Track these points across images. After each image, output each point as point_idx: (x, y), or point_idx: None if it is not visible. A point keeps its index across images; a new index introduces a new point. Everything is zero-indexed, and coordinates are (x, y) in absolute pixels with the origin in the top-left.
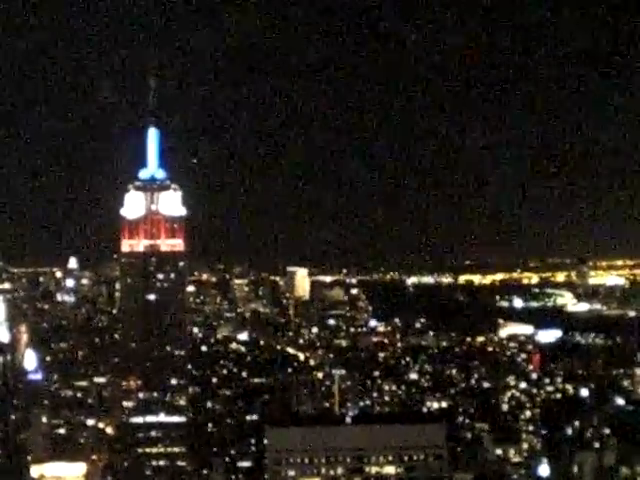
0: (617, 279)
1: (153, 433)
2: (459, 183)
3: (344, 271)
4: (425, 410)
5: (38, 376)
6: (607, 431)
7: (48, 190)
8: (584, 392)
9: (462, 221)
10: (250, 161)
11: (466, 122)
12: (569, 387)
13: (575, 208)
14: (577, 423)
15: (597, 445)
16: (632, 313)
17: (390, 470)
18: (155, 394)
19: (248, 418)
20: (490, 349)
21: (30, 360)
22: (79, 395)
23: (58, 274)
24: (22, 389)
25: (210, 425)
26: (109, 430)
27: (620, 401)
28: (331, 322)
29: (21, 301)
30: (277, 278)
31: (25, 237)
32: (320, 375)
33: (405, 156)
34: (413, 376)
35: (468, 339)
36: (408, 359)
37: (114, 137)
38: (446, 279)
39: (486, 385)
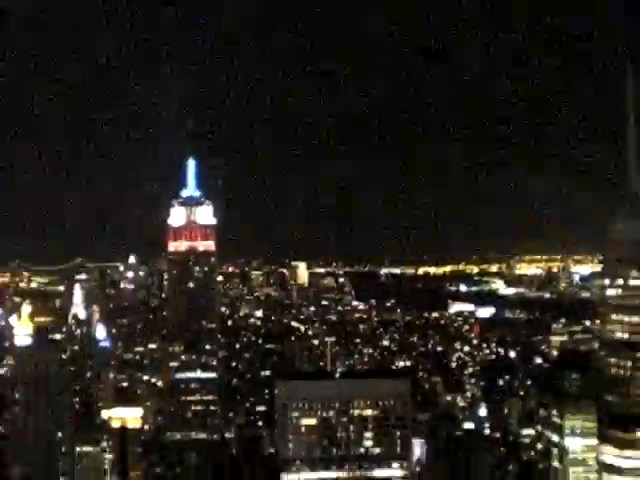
0: (536, 270)
1: (192, 385)
2: (420, 190)
3: (334, 265)
4: (394, 368)
5: (107, 344)
6: (529, 382)
7: (118, 206)
8: (512, 354)
9: (421, 224)
10: (263, 184)
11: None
12: (501, 350)
13: (507, 214)
14: (507, 377)
15: (521, 393)
16: (547, 295)
17: (369, 412)
18: (194, 356)
19: (262, 374)
20: (442, 322)
21: (101, 332)
22: (137, 357)
23: (121, 268)
24: (95, 353)
25: (235, 379)
26: (159, 383)
27: (539, 360)
28: (324, 302)
29: (94, 288)
30: (284, 270)
31: (98, 240)
32: (316, 342)
33: (370, 163)
34: (385, 343)
35: (426, 314)
36: (381, 330)
37: (165, 166)
38: (409, 270)
39: (439, 349)
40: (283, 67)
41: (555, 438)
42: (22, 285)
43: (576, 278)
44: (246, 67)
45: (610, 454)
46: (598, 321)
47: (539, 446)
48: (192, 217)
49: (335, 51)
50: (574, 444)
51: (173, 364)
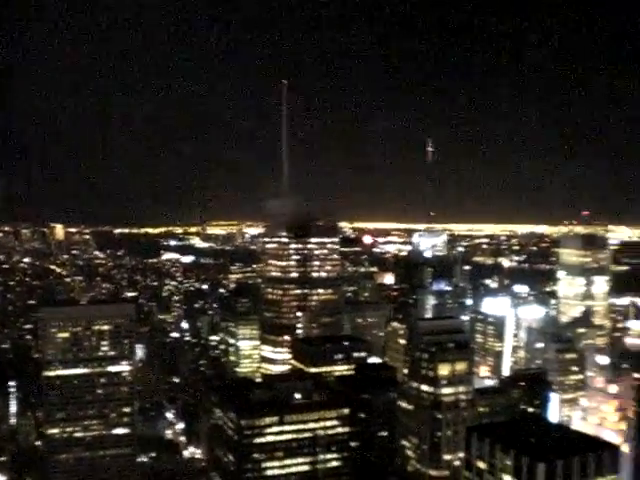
0: (221, 231)
1: None
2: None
3: (82, 226)
4: (124, 297)
5: None
6: (215, 305)
7: None
8: (205, 286)
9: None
10: (27, 168)
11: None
12: (197, 284)
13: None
14: (201, 302)
15: (210, 312)
16: (228, 248)
17: (106, 327)
18: None
19: (30, 302)
20: (157, 266)
21: None
22: None
23: None
24: None
25: (10, 307)
26: None
27: (222, 290)
28: (74, 252)
29: None
30: (46, 230)
31: None
32: (68, 280)
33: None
34: (118, 279)
35: (146, 260)
36: (116, 271)
37: None
38: (134, 230)
39: (155, 284)
40: None
41: (232, 341)
42: None
43: (248, 237)
44: None
45: (268, 351)
46: (261, 265)
47: (222, 347)
48: None
49: None
50: (244, 345)
51: None
